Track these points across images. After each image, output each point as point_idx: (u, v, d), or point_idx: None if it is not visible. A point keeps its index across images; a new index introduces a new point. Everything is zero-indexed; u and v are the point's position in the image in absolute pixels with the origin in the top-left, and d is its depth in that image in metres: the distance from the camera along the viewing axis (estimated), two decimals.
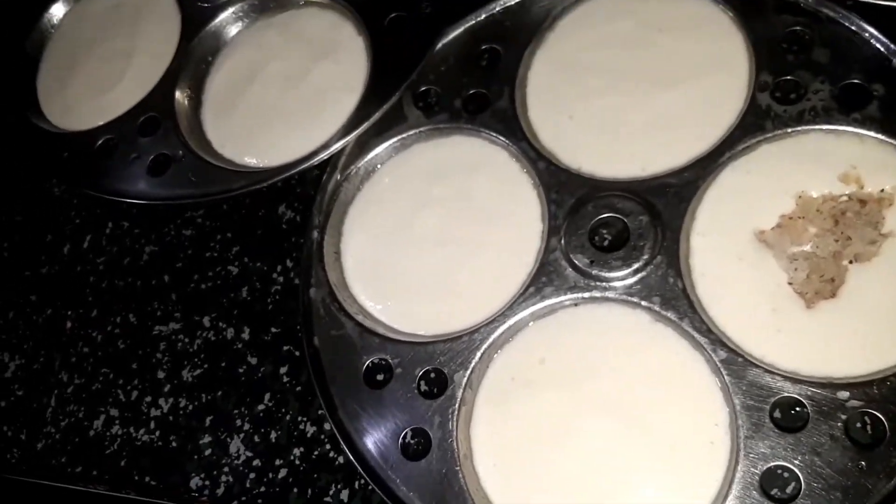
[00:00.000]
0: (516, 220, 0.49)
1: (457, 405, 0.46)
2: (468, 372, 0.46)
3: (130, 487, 0.57)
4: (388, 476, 0.46)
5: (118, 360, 0.60)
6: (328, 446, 0.53)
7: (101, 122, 0.60)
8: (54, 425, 0.60)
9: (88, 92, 0.63)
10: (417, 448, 0.47)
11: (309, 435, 0.53)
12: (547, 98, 0.52)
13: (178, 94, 0.59)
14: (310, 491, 0.52)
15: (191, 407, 0.57)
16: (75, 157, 0.60)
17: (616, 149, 0.49)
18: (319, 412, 0.54)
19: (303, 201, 0.60)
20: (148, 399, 0.58)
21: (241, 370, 0.57)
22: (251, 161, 0.57)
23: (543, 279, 0.47)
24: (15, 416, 0.61)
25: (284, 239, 0.60)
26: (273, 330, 0.57)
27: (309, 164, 0.54)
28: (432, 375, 0.48)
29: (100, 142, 0.60)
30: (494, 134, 0.51)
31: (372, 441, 0.47)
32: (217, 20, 0.60)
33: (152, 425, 0.57)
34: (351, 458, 0.47)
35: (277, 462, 0.53)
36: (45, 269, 0.65)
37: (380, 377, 0.49)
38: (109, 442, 0.58)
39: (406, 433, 0.47)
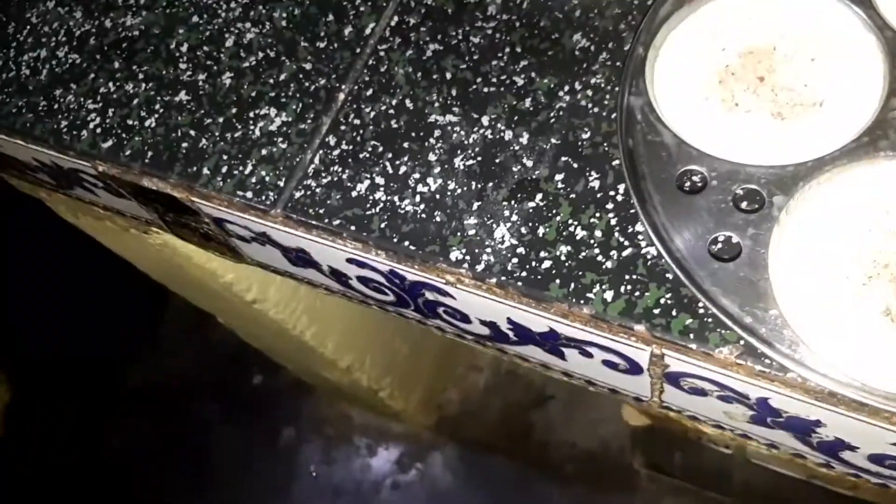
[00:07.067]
0: (854, 78, 0.51)
1: (773, 223, 0.47)
2: (790, 199, 0.48)
3: (384, 249, 0.59)
4: (692, 269, 0.47)
5: (390, 136, 0.62)
6: (597, 251, 0.55)
7: None
8: (315, 179, 0.62)
9: None
10: (726, 251, 0.48)
11: (578, 238, 0.55)
12: None
13: None
14: (572, 285, 0.54)
15: (459, 191, 0.59)
16: None
17: None
18: (591, 220, 0.56)
19: (599, 33, 0.62)
20: (416, 176, 0.60)
21: (515, 169, 0.59)
22: None
23: (878, 132, 0.49)
24: (276, 165, 0.63)
25: (576, 63, 0.61)
26: (553, 140, 0.59)
27: None
28: (749, 193, 0.50)
29: None
30: None
31: (679, 238, 0.49)
32: None
33: (417, 199, 0.59)
34: (659, 248, 0.49)
35: (542, 254, 0.55)
36: (323, 43, 0.68)
37: (693, 185, 0.51)
38: (371, 205, 0.60)
39: (716, 237, 0.49)
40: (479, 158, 0.60)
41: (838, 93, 0.51)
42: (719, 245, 0.48)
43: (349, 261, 0.62)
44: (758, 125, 0.51)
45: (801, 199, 0.48)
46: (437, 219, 0.58)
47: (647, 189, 0.50)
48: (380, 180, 0.61)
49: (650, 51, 0.54)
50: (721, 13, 0.55)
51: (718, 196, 0.49)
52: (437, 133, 0.61)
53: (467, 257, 0.56)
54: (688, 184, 0.50)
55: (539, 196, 0.57)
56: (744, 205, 0.48)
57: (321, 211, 0.61)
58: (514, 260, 0.55)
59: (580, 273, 0.54)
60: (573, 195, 0.57)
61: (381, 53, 0.66)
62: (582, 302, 0.53)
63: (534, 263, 0.55)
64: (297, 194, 0.62)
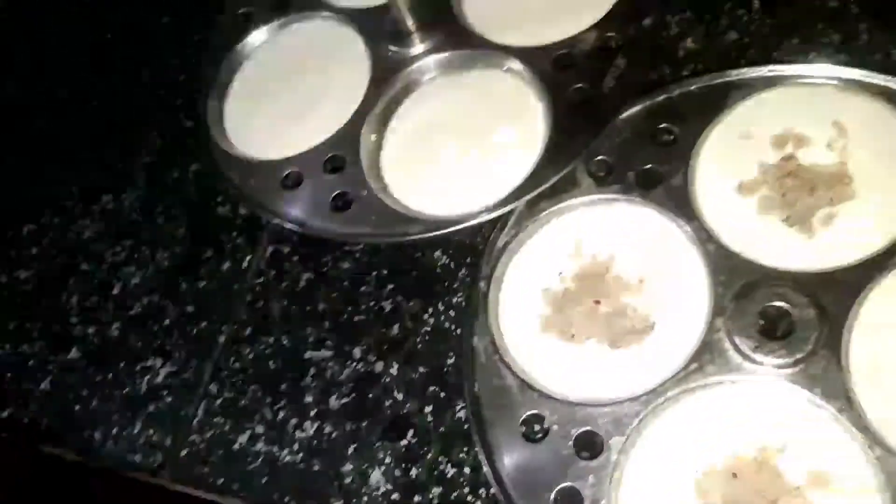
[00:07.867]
0: (681, 298, 0.51)
1: (611, 469, 0.47)
2: (625, 438, 0.48)
3: None
4: None
5: (268, 379, 0.63)
6: (467, 489, 0.55)
7: (288, 154, 0.64)
8: (200, 434, 0.63)
9: (276, 123, 0.67)
10: None
11: (449, 476, 0.55)
12: (714, 176, 0.54)
13: (363, 136, 0.63)
14: None
15: (335, 434, 0.59)
16: (262, 184, 0.64)
17: (787, 241, 0.51)
18: (460, 455, 0.56)
19: (458, 250, 0.63)
20: (294, 421, 0.61)
21: (387, 404, 0.59)
22: (423, 209, 0.60)
23: (706, 356, 0.49)
24: (162, 422, 0.64)
25: (438, 282, 0.62)
26: (421, 369, 0.60)
27: (483, 219, 0.57)
28: (588, 437, 0.50)
29: (286, 173, 0.64)
30: (664, 210, 0.53)
31: (524, 491, 0.49)
32: (406, 70, 0.64)
33: (296, 447, 0.60)
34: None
35: (416, 498, 0.56)
36: (203, 283, 0.69)
37: (535, 431, 0.51)
38: (253, 458, 0.61)
39: (559, 489, 0.49)
40: (353, 395, 0.60)
41: (669, 313, 0.51)
42: (561, 497, 0.48)
43: None
44: (595, 355, 0.52)
45: (635, 437, 0.48)
46: (316, 468, 0.59)
47: (495, 439, 0.50)
48: (260, 429, 0.61)
49: (491, 284, 0.55)
50: (555, 236, 0.56)
51: (560, 441, 0.49)
52: (312, 371, 0.62)
53: None
54: (532, 432, 0.51)
55: (410, 433, 0.58)
56: (583, 452, 0.49)
57: (205, 470, 0.61)
58: None
59: None
60: (442, 428, 0.57)
61: (258, 289, 0.67)
62: None
63: None
64: (184, 452, 0.62)
